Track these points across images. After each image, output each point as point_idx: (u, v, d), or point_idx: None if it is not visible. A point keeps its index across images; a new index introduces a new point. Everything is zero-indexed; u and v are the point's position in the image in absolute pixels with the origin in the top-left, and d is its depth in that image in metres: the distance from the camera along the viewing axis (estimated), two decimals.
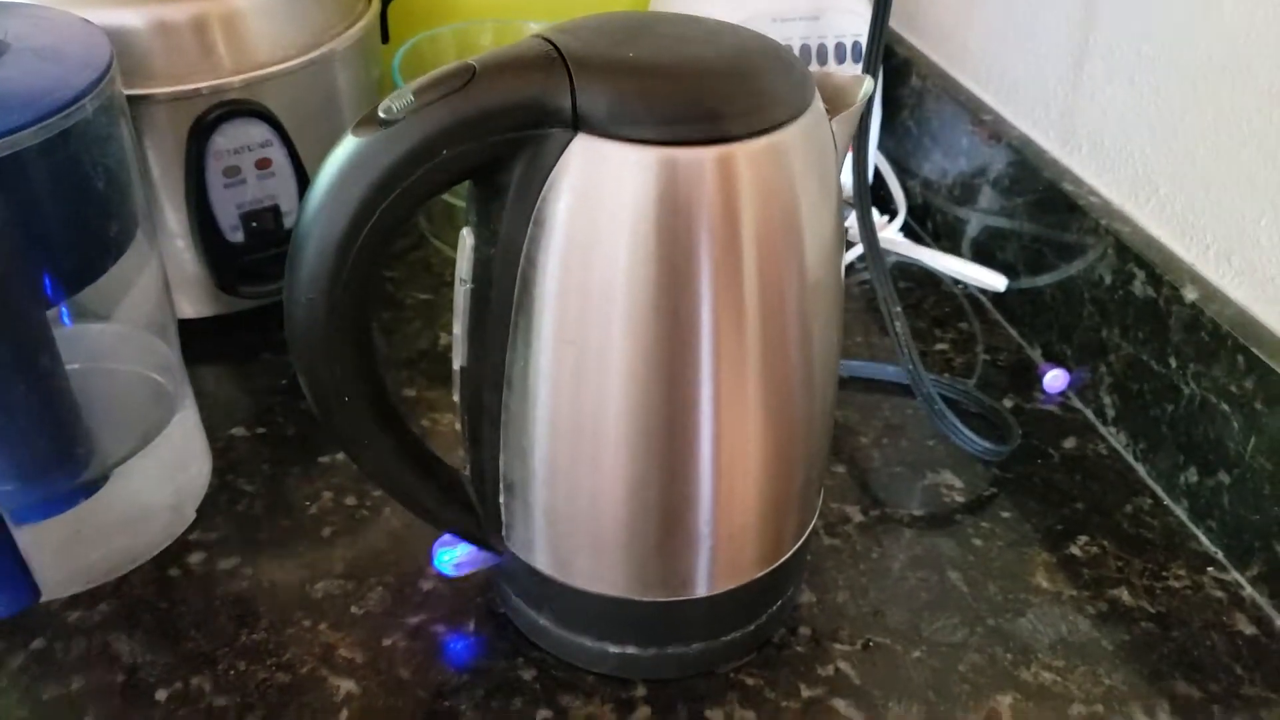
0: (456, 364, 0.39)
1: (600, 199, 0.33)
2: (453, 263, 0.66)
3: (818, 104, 0.35)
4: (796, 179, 0.34)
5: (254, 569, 0.47)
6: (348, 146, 0.32)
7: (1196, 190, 0.51)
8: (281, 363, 0.58)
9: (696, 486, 0.38)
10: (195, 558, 0.48)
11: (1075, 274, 0.57)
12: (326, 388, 0.35)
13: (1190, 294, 0.50)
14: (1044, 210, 0.60)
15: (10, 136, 0.36)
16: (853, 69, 0.67)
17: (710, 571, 0.40)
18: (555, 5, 0.73)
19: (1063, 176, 0.59)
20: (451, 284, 0.64)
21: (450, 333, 0.60)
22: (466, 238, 0.35)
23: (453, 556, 0.44)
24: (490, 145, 0.32)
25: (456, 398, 0.40)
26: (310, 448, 0.53)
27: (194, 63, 0.50)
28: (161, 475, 0.48)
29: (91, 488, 0.45)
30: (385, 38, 0.65)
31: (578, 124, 0.32)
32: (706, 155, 0.32)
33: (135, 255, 0.44)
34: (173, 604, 0.46)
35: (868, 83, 0.38)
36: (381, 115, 0.32)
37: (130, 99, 0.45)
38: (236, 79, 0.50)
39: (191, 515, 0.49)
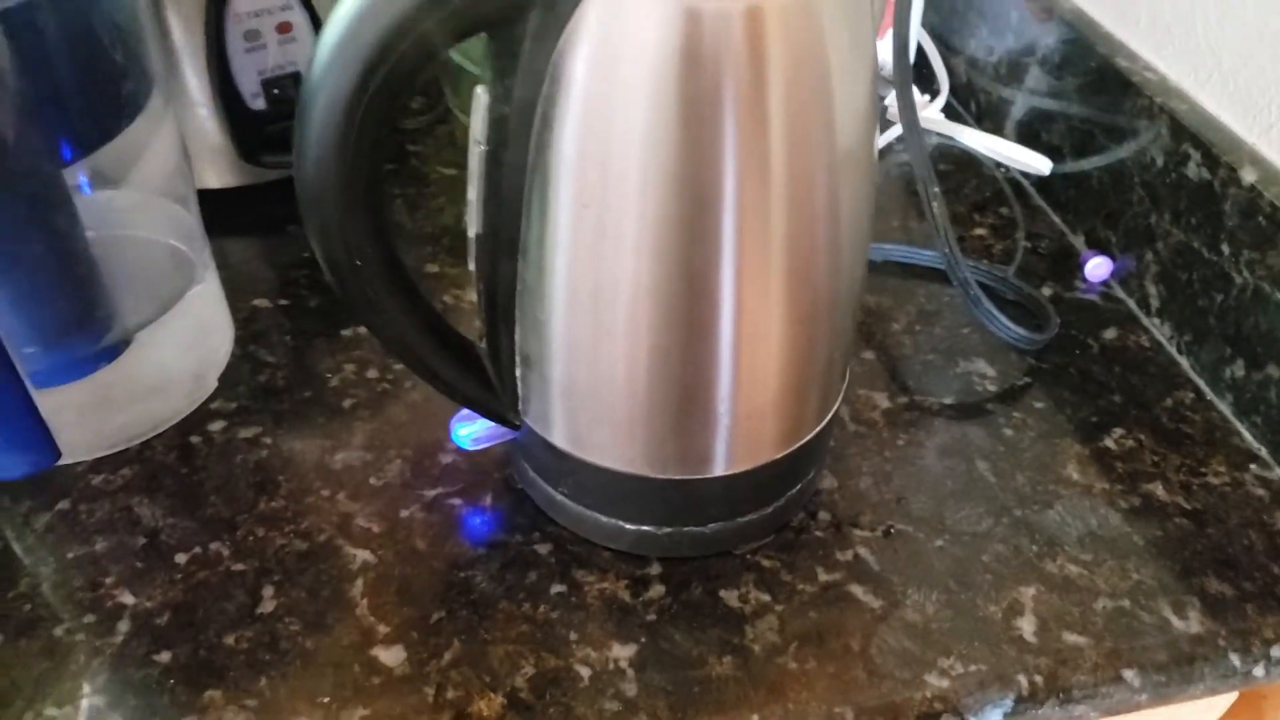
0: (471, 231, 0.37)
1: (620, 53, 0.31)
2: None
3: None
4: (828, 37, 0.32)
5: (274, 438, 0.47)
6: None
7: (1265, 63, 0.48)
8: (305, 235, 0.57)
9: (715, 361, 0.36)
10: (216, 426, 0.48)
11: (1125, 156, 0.54)
12: (337, 250, 0.34)
13: (1249, 176, 0.47)
14: (1095, 89, 0.56)
15: None
16: None
17: (728, 450, 0.40)
18: None
19: (1117, 52, 0.55)
20: None
21: None
22: (481, 95, 0.34)
23: (471, 431, 0.44)
24: None
25: (472, 266, 0.39)
26: (333, 320, 0.53)
27: None
28: (183, 344, 0.48)
29: (113, 352, 0.45)
30: None
31: None
32: (734, 6, 0.30)
33: (151, 119, 0.43)
34: (194, 470, 0.46)
35: None
36: None
37: None
38: None
39: (213, 384, 0.49)
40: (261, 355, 0.51)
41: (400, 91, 0.32)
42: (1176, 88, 0.53)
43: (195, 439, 0.47)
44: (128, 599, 0.41)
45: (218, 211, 0.50)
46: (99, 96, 0.40)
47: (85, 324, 0.45)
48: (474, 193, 0.36)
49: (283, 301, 0.54)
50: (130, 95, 0.41)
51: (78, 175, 0.44)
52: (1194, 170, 0.50)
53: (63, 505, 0.44)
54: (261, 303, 0.54)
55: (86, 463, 0.46)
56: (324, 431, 0.48)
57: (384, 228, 0.35)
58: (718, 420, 0.38)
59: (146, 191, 0.47)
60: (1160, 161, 0.52)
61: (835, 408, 0.43)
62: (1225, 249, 0.48)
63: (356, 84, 0.31)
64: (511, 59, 0.32)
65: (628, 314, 0.36)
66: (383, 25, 0.30)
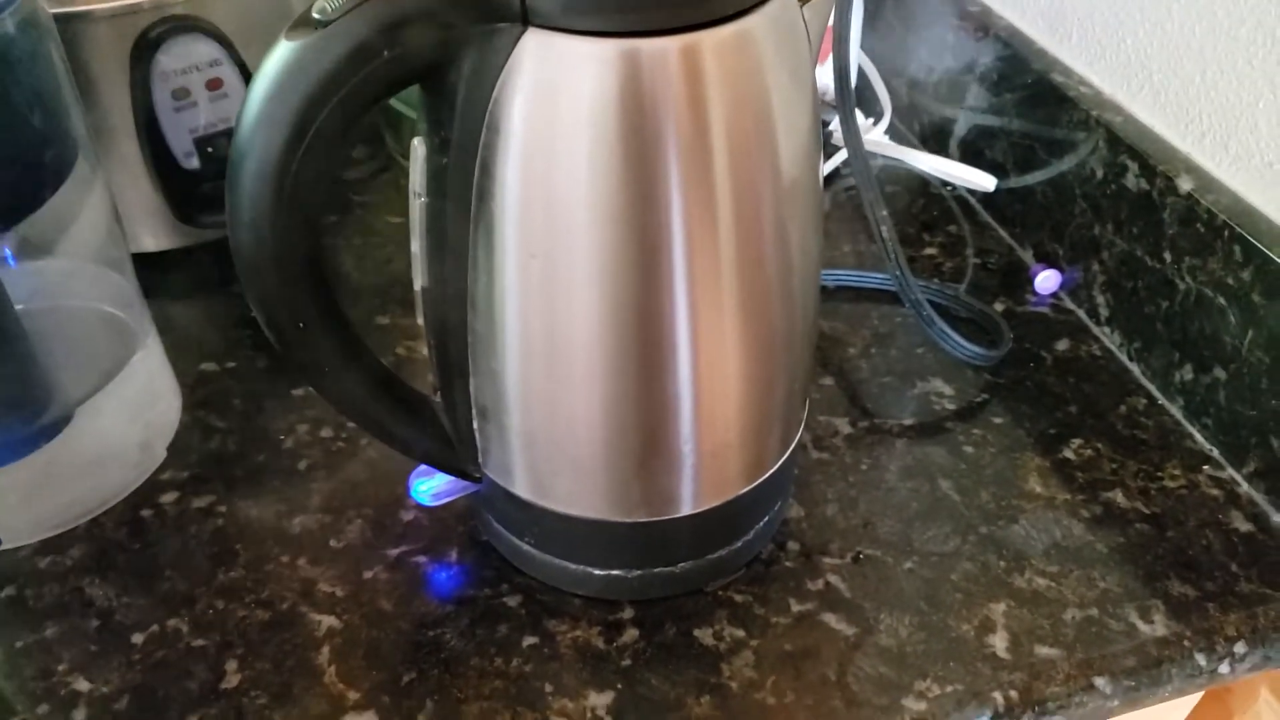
0: (417, 284, 0.37)
1: (557, 98, 0.31)
2: None
3: None
4: (767, 69, 0.32)
5: (229, 506, 0.46)
6: (281, 52, 0.29)
7: (1192, 74, 0.49)
8: None
9: (675, 402, 0.36)
10: (168, 497, 0.46)
11: (1066, 170, 0.55)
12: (280, 315, 0.33)
13: (1185, 184, 0.48)
14: (1033, 104, 0.57)
15: None
16: None
17: (693, 489, 0.39)
18: None
19: (1052, 67, 0.56)
20: None
21: None
22: (418, 147, 0.33)
23: (430, 486, 0.43)
24: (433, 44, 0.30)
25: (421, 320, 0.38)
26: (282, 380, 0.52)
27: None
28: (129, 414, 0.47)
29: (54, 429, 0.44)
30: None
31: (527, 16, 0.30)
32: (669, 45, 0.30)
33: (78, 184, 0.42)
34: (146, 545, 0.45)
35: None
36: (316, 16, 0.29)
37: (67, 17, 0.42)
38: None
39: (162, 454, 0.48)
40: (211, 420, 0.50)
41: (332, 149, 0.31)
42: (1111, 100, 0.53)
43: (146, 512, 0.46)
44: (83, 685, 0.40)
45: (156, 275, 0.48)
46: (20, 166, 0.39)
47: (22, 402, 0.43)
48: (417, 245, 0.36)
49: (230, 364, 0.53)
50: (53, 162, 0.40)
51: (2, 248, 0.43)
52: (1132, 181, 0.50)
53: (8, 592, 0.43)
54: (208, 366, 0.53)
55: (32, 545, 0.45)
56: (280, 496, 0.46)
57: (326, 289, 0.34)
58: (681, 460, 0.38)
59: (79, 259, 0.46)
60: (1100, 173, 0.52)
61: (798, 437, 0.42)
62: (1167, 256, 0.49)
63: (286, 145, 0.30)
64: (447, 108, 0.32)
65: (583, 360, 0.35)
66: (311, 82, 0.30)
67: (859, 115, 0.67)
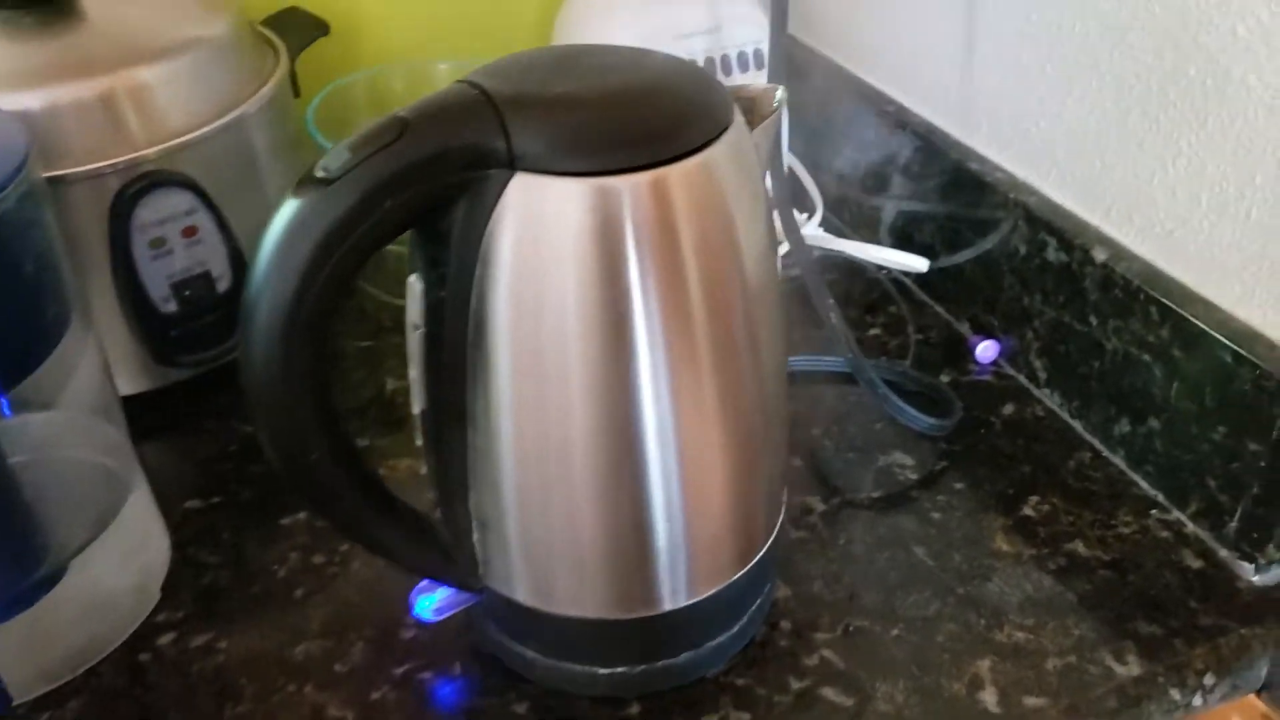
0: (416, 408, 0.39)
1: (543, 233, 0.34)
2: (389, 307, 0.67)
3: (739, 118, 0.37)
4: (728, 192, 0.36)
5: (229, 641, 0.47)
6: (289, 208, 0.32)
7: (1092, 158, 0.54)
8: (226, 429, 0.57)
9: (667, 498, 0.38)
10: (165, 638, 0.47)
11: (992, 247, 0.59)
12: (291, 447, 0.35)
13: (1100, 254, 0.52)
14: (955, 191, 0.62)
15: None
16: (755, 75, 0.69)
17: (689, 580, 0.41)
18: (459, 45, 0.73)
19: (967, 156, 0.61)
20: (390, 329, 0.65)
21: (397, 378, 0.61)
22: (415, 284, 0.36)
23: (432, 602, 0.44)
24: (430, 193, 0.33)
25: (419, 441, 0.40)
26: (269, 511, 0.53)
27: (106, 139, 0.49)
28: (120, 559, 0.47)
29: (50, 582, 0.44)
30: (296, 92, 0.64)
31: (514, 163, 0.33)
32: (641, 180, 0.33)
33: (72, 340, 0.43)
34: (147, 690, 0.45)
35: (780, 91, 0.40)
36: (319, 174, 0.32)
37: (46, 181, 0.44)
38: (152, 150, 0.50)
39: (156, 594, 0.48)
40: (202, 557, 0.50)
41: (340, 290, 0.33)
42: (1025, 183, 0.58)
43: (144, 656, 0.46)
44: None
45: (131, 417, 0.49)
46: (22, 328, 0.40)
47: (17, 558, 0.44)
48: (415, 371, 0.38)
49: (214, 499, 0.54)
50: (52, 322, 0.42)
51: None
52: (1053, 254, 0.55)
53: None
54: (193, 504, 0.53)
55: (27, 703, 0.44)
56: (279, 625, 0.47)
57: (336, 420, 0.36)
58: (676, 553, 0.40)
59: (71, 410, 0.47)
60: (1023, 249, 0.57)
61: (780, 519, 0.45)
62: (1093, 320, 0.53)
63: (295, 293, 0.32)
64: (443, 247, 0.34)
65: (578, 467, 0.37)
66: (318, 234, 0.32)
67: (794, 212, 0.72)
